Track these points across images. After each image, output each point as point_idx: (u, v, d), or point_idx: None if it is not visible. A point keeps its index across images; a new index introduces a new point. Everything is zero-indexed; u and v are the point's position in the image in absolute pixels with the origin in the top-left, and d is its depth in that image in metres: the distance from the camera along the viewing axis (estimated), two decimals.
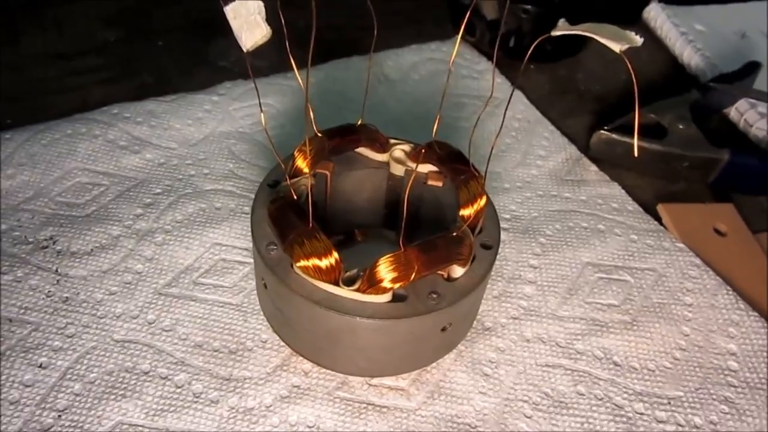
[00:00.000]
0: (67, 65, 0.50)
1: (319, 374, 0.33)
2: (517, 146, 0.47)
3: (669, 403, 0.33)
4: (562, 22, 0.23)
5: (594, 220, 0.42)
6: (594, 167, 0.45)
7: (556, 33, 0.23)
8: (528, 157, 0.46)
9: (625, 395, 0.33)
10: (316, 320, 0.29)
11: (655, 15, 0.60)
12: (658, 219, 0.42)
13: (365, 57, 0.52)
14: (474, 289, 0.29)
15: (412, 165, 0.34)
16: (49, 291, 0.35)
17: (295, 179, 0.31)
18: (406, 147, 0.35)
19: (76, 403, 0.31)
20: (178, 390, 0.32)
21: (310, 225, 0.29)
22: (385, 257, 0.27)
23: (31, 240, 0.37)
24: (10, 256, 0.36)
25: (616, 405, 0.33)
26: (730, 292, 0.38)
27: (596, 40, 0.22)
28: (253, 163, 0.43)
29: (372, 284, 0.27)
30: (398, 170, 0.35)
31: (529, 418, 0.32)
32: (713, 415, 0.33)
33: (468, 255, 0.29)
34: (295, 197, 0.30)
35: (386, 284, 0.27)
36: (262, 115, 0.27)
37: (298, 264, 0.28)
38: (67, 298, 0.35)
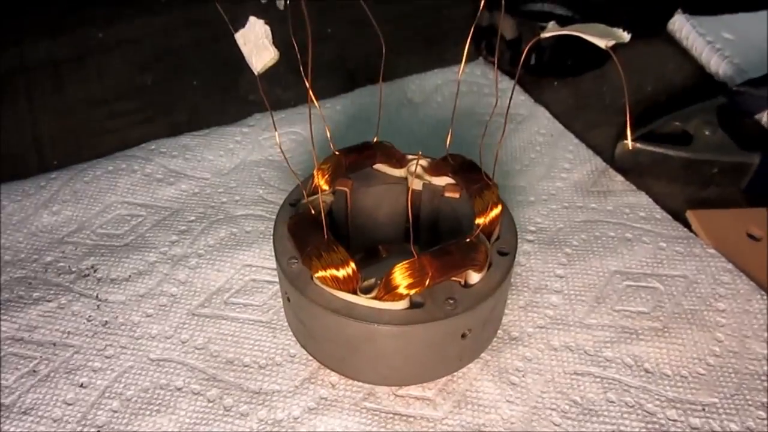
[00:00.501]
0: (107, 109, 0.53)
1: (346, 386, 0.33)
2: (541, 160, 0.47)
3: (703, 409, 0.32)
4: (552, 24, 0.24)
5: (621, 229, 0.41)
6: (620, 177, 0.45)
7: (546, 35, 0.24)
8: (552, 170, 0.46)
9: (657, 402, 0.32)
10: (336, 329, 0.29)
11: (680, 26, 0.60)
12: (688, 226, 0.41)
13: (390, 83, 0.53)
14: (491, 295, 0.30)
15: (429, 179, 0.35)
16: (90, 316, 0.37)
17: (314, 196, 0.33)
18: (423, 161, 0.35)
19: (114, 419, 0.32)
20: (210, 404, 0.33)
21: (326, 237, 0.30)
22: (400, 264, 0.28)
23: (74, 270, 0.39)
24: (55, 285, 0.38)
25: (647, 412, 0.32)
26: (765, 297, 0.37)
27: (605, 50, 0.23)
28: (281, 188, 0.44)
29: (388, 291, 0.28)
30: (416, 184, 0.35)
31: (557, 426, 0.31)
32: (750, 421, 0.31)
33: (483, 261, 0.30)
34: (312, 212, 0.31)
35: (402, 290, 0.28)
36: (276, 135, 0.28)
37: (316, 275, 0.29)
38: (106, 321, 0.36)
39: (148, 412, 0.32)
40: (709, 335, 0.35)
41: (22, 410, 0.32)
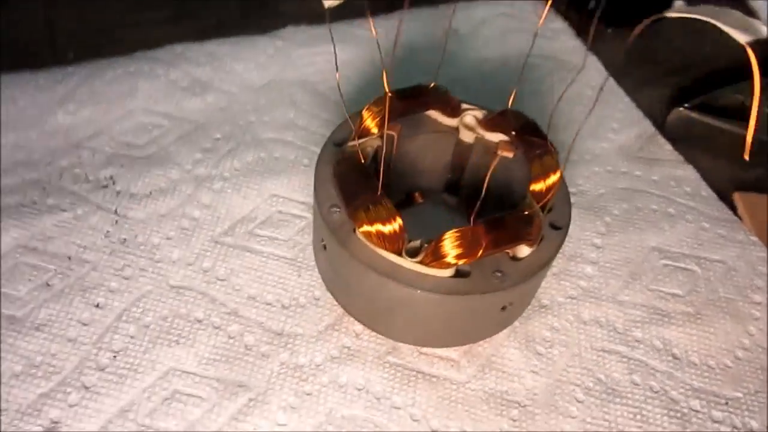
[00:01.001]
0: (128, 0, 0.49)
1: (370, 337, 0.32)
2: (587, 116, 0.44)
3: (726, 403, 0.32)
4: (679, 3, 0.21)
5: (664, 203, 0.40)
6: (669, 146, 0.43)
7: (671, 15, 0.21)
8: (599, 130, 0.44)
9: (682, 390, 0.32)
10: (375, 288, 0.28)
11: None
12: (733, 208, 0.40)
13: (432, 8, 0.50)
14: (539, 272, 0.28)
15: (483, 133, 0.33)
16: (107, 231, 0.35)
17: (363, 140, 0.30)
18: (478, 113, 0.33)
19: (131, 346, 0.31)
20: (231, 341, 0.32)
21: (379, 191, 0.28)
22: (451, 232, 0.27)
23: (91, 179, 0.37)
24: (71, 194, 0.36)
25: (671, 399, 0.32)
26: None
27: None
28: (315, 114, 0.42)
29: (436, 258, 0.27)
30: (467, 137, 0.33)
31: (580, 402, 0.31)
32: None
33: (537, 235, 0.28)
34: (362, 159, 0.29)
35: (450, 260, 0.26)
36: (337, 75, 0.25)
37: (361, 229, 0.27)
38: (125, 239, 0.35)
39: (166, 342, 0.31)
40: (741, 327, 0.34)
41: (35, 326, 0.31)
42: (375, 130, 0.31)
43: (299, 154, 0.39)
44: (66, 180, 0.37)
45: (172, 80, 0.42)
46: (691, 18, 0.21)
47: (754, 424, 0.31)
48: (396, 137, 0.32)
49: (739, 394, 0.32)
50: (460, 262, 0.27)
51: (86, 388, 0.30)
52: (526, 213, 0.28)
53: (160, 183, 0.37)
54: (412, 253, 0.27)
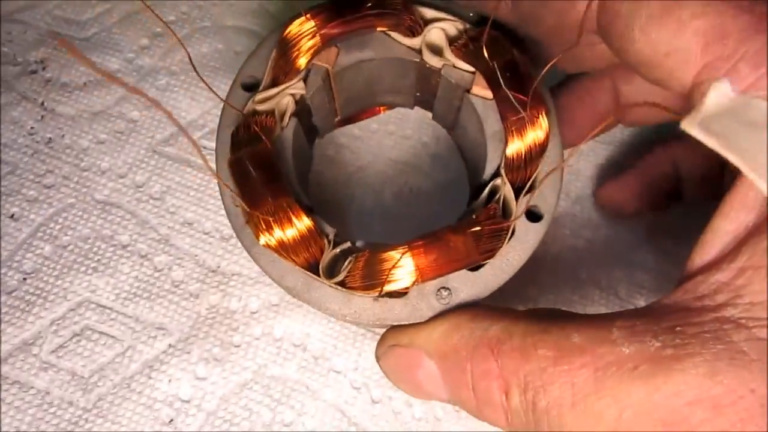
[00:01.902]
0: None
1: None
2: None
3: None
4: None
5: None
6: None
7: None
8: None
9: None
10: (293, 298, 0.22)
11: None
12: None
13: None
14: (500, 284, 0.22)
15: (453, 59, 0.24)
16: (32, 127, 0.30)
17: (278, 90, 0.23)
18: (449, 26, 0.24)
19: (44, 269, 0.27)
20: (157, 274, 0.28)
21: (277, 199, 0.21)
22: (378, 254, 0.21)
23: (19, 60, 0.32)
24: None
25: None
26: None
27: None
28: (289, 1, 0.34)
29: (358, 283, 0.21)
30: (434, 61, 0.24)
31: None
32: None
33: (498, 249, 0.21)
34: (267, 143, 0.22)
35: (375, 288, 0.21)
36: None
37: (262, 242, 0.21)
38: (50, 139, 0.30)
39: (83, 268, 0.27)
40: None
41: None
42: (302, 63, 0.23)
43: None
44: None
45: None
46: None
47: None
48: (331, 69, 0.24)
49: None
50: (388, 288, 0.21)
51: None
52: (477, 229, 0.21)
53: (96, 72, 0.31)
54: (331, 269, 0.21)
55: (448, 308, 0.21)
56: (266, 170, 0.22)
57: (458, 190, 0.29)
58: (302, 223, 0.21)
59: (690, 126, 0.15)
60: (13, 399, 0.25)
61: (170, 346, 0.26)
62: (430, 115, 0.29)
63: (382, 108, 0.30)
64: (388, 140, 0.30)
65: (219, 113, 0.28)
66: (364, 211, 0.29)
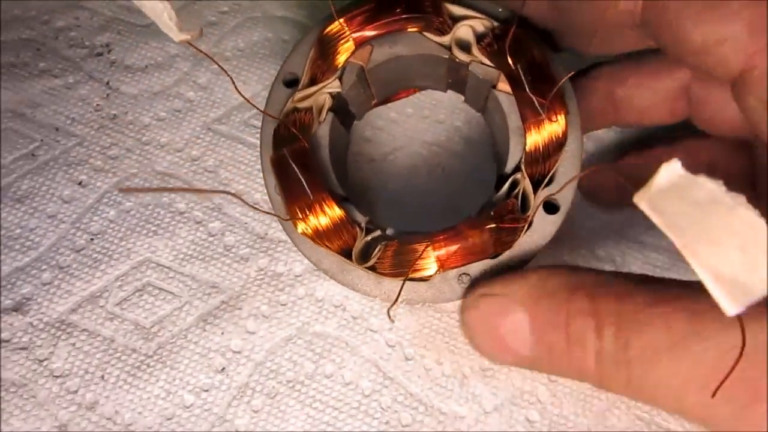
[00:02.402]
0: None
1: None
2: None
3: None
4: None
5: None
6: None
7: None
8: None
9: None
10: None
11: None
12: None
13: None
14: (518, 269, 0.24)
15: (479, 56, 0.26)
16: (97, 104, 0.33)
17: (315, 89, 0.25)
18: (477, 23, 0.26)
19: (109, 230, 0.30)
20: (211, 239, 0.30)
21: (316, 194, 0.24)
22: (407, 246, 0.23)
23: (86, 43, 0.34)
24: (64, 59, 0.34)
25: None
26: None
27: None
28: (317, 5, 0.37)
29: (388, 268, 0.24)
30: (462, 56, 0.26)
31: None
32: None
33: (515, 241, 0.24)
34: (305, 142, 0.25)
35: (401, 274, 0.23)
36: None
37: (300, 231, 0.24)
38: (114, 115, 0.33)
39: (144, 231, 0.30)
40: None
41: (17, 197, 0.31)
42: (338, 62, 0.26)
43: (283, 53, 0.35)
44: (61, 42, 0.34)
45: None
46: None
47: None
48: (364, 66, 0.27)
49: None
50: (412, 275, 0.23)
51: (60, 268, 0.29)
52: (496, 226, 0.23)
53: (156, 56, 0.34)
54: (364, 254, 0.24)
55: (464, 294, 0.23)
56: (304, 166, 0.24)
57: (488, 170, 0.31)
58: (335, 214, 0.24)
59: (639, 200, 0.15)
60: (83, 344, 0.28)
61: (223, 302, 0.29)
62: (462, 98, 0.32)
63: (416, 89, 0.32)
64: (423, 124, 0.33)
65: (267, 96, 0.31)
66: (398, 189, 0.32)
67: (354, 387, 0.28)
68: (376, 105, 0.32)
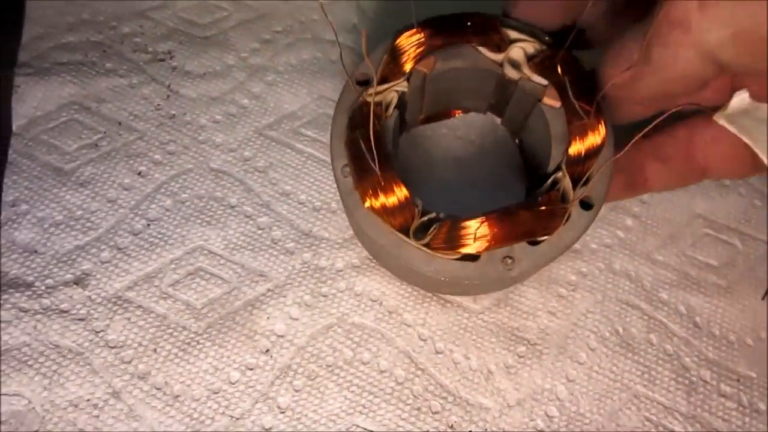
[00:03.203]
0: None
1: None
2: None
3: (738, 380, 0.31)
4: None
5: None
6: None
7: (720, 121, 0.23)
8: None
9: (696, 359, 0.32)
10: (384, 255, 0.28)
11: None
12: None
13: None
14: (557, 257, 0.27)
15: (529, 73, 0.29)
16: (158, 104, 0.36)
17: (386, 87, 0.28)
18: (529, 46, 0.29)
19: (165, 217, 0.32)
20: (259, 232, 0.33)
21: (387, 172, 0.26)
22: (459, 222, 0.26)
23: (150, 50, 0.37)
24: (129, 61, 0.37)
25: (683, 365, 0.31)
26: None
27: None
28: (379, 22, 0.41)
29: (442, 244, 0.26)
30: (512, 73, 0.30)
31: (591, 350, 0.31)
32: None
33: (556, 227, 0.26)
34: (377, 124, 0.27)
35: (454, 250, 0.26)
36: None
37: (367, 205, 0.26)
38: (173, 115, 0.35)
39: (198, 221, 0.32)
40: None
41: (80, 182, 0.33)
42: (407, 67, 0.29)
43: (356, 61, 0.39)
44: (126, 47, 0.37)
45: None
46: None
47: (762, 406, 0.31)
48: (428, 73, 0.30)
49: (753, 374, 0.32)
50: (464, 251, 0.26)
51: (119, 248, 0.31)
52: (545, 209, 0.26)
53: (215, 65, 0.37)
54: (421, 231, 0.26)
55: (510, 275, 0.26)
56: (376, 147, 0.27)
57: (515, 188, 0.34)
58: (402, 193, 0.26)
59: (718, 119, 0.22)
60: (137, 319, 0.30)
61: (269, 290, 0.31)
62: (496, 122, 0.35)
63: (457, 111, 0.36)
64: (456, 143, 0.36)
65: (315, 108, 0.34)
66: (431, 202, 0.34)
67: (388, 375, 0.30)
68: (422, 122, 0.35)
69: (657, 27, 0.23)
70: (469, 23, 0.29)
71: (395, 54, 0.29)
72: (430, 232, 0.26)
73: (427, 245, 0.26)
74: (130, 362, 0.29)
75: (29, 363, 0.28)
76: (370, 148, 0.27)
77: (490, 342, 0.31)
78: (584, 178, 0.27)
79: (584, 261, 0.34)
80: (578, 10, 0.29)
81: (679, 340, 0.32)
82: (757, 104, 0.24)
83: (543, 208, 0.26)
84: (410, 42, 0.29)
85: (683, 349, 0.32)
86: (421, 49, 0.29)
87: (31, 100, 0.34)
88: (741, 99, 0.23)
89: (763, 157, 0.22)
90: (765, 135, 0.23)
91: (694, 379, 0.31)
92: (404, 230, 0.26)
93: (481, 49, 0.30)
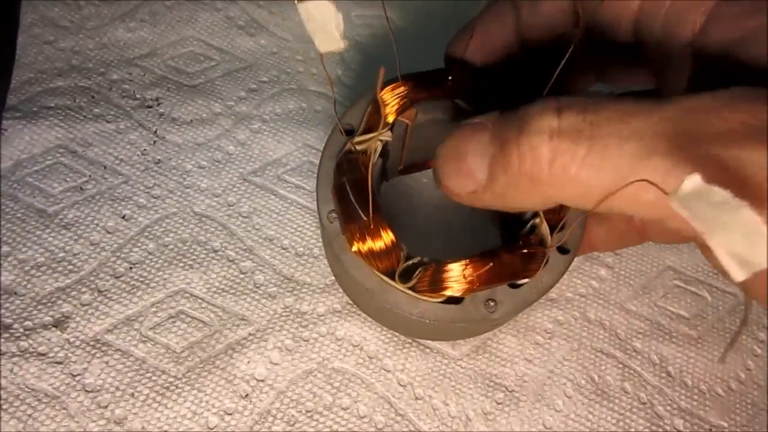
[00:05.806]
0: None
1: None
2: None
3: (710, 429, 0.32)
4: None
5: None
6: None
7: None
8: None
9: (669, 407, 0.32)
10: (368, 300, 0.29)
11: None
12: None
13: None
14: (537, 300, 0.28)
15: None
16: (144, 149, 0.36)
17: (371, 136, 0.29)
18: None
19: (148, 261, 0.33)
20: (242, 276, 0.33)
21: (373, 217, 0.27)
22: (444, 266, 0.27)
23: (137, 96, 0.38)
24: (116, 107, 0.37)
25: (656, 414, 0.32)
26: None
27: None
28: (362, 75, 0.42)
29: (427, 287, 0.27)
30: None
31: (568, 397, 0.32)
32: None
33: (537, 269, 0.28)
34: (362, 169, 0.28)
35: (438, 292, 0.27)
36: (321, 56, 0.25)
37: (354, 249, 0.27)
38: (159, 160, 0.36)
39: (181, 264, 0.33)
40: (740, 360, 0.34)
41: (63, 224, 0.33)
42: (390, 118, 0.30)
43: (340, 111, 0.40)
44: (114, 93, 0.38)
45: (230, 17, 0.43)
46: None
47: None
48: (410, 125, 0.31)
49: (725, 424, 0.32)
50: (448, 294, 0.27)
51: (100, 291, 0.31)
52: (529, 251, 0.27)
53: (201, 113, 0.38)
54: (406, 274, 0.27)
55: (493, 317, 0.27)
56: (363, 193, 0.28)
57: (494, 235, 0.35)
58: (389, 237, 0.27)
59: (671, 202, 0.19)
60: (116, 363, 0.30)
61: (250, 334, 0.31)
62: None
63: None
64: (436, 192, 0.37)
65: (299, 155, 0.34)
66: (412, 247, 0.35)
67: (368, 420, 0.30)
68: (401, 172, 0.36)
69: (506, 163, 0.22)
70: (449, 78, 0.31)
71: (379, 105, 0.30)
72: (415, 275, 0.26)
73: (412, 288, 0.27)
74: (106, 407, 0.29)
75: (4, 407, 0.28)
76: (358, 193, 0.27)
77: (469, 388, 0.31)
78: (560, 225, 0.28)
79: (560, 309, 0.34)
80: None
81: (653, 388, 0.33)
82: (709, 187, 0.20)
83: (525, 251, 0.27)
84: (393, 94, 0.31)
85: (657, 397, 0.32)
86: (404, 101, 0.31)
87: (18, 143, 0.35)
88: (694, 182, 0.19)
89: (715, 249, 0.18)
90: (719, 223, 0.18)
91: (667, 428, 0.32)
92: (389, 274, 0.27)
93: (459, 102, 0.31)
